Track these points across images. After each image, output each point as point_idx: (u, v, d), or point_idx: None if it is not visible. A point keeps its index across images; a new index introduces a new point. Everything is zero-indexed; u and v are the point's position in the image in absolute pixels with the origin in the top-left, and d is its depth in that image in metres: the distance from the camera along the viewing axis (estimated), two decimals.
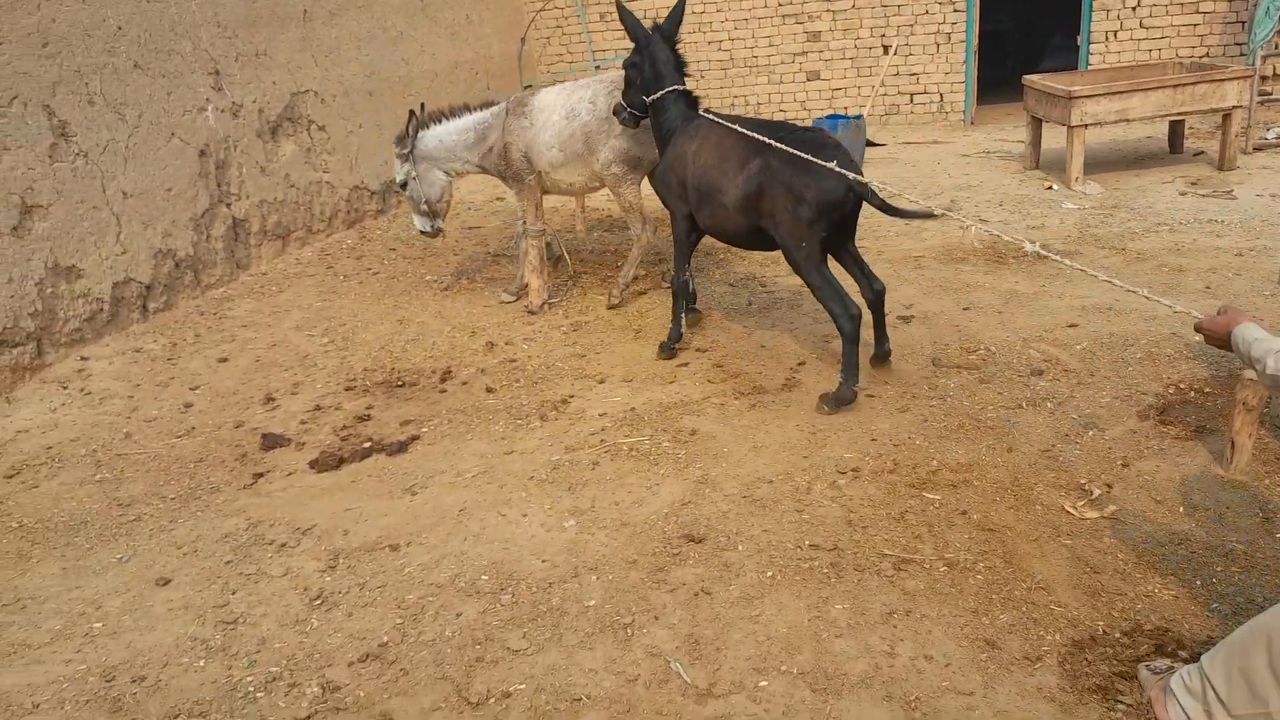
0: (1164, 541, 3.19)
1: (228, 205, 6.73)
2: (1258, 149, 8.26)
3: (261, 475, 4.12)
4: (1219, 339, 2.60)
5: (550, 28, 11.81)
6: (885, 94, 10.97)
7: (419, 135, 5.64)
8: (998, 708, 2.54)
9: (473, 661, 2.82)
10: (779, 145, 4.18)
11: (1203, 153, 8.32)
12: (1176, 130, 8.28)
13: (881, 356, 4.59)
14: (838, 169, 3.99)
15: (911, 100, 10.98)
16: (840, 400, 4.22)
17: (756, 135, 4.30)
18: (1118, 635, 2.76)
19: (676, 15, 4.98)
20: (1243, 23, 9.65)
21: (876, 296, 4.45)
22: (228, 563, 3.43)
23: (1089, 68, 10.05)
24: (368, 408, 4.69)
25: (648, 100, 4.93)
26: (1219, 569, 3.04)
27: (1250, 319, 2.54)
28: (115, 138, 5.79)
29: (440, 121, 5.69)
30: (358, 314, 6.04)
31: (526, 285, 5.94)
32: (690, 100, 4.94)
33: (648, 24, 4.99)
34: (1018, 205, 7.27)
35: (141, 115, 6.01)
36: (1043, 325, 4.94)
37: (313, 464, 4.16)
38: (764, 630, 2.90)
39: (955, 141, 9.84)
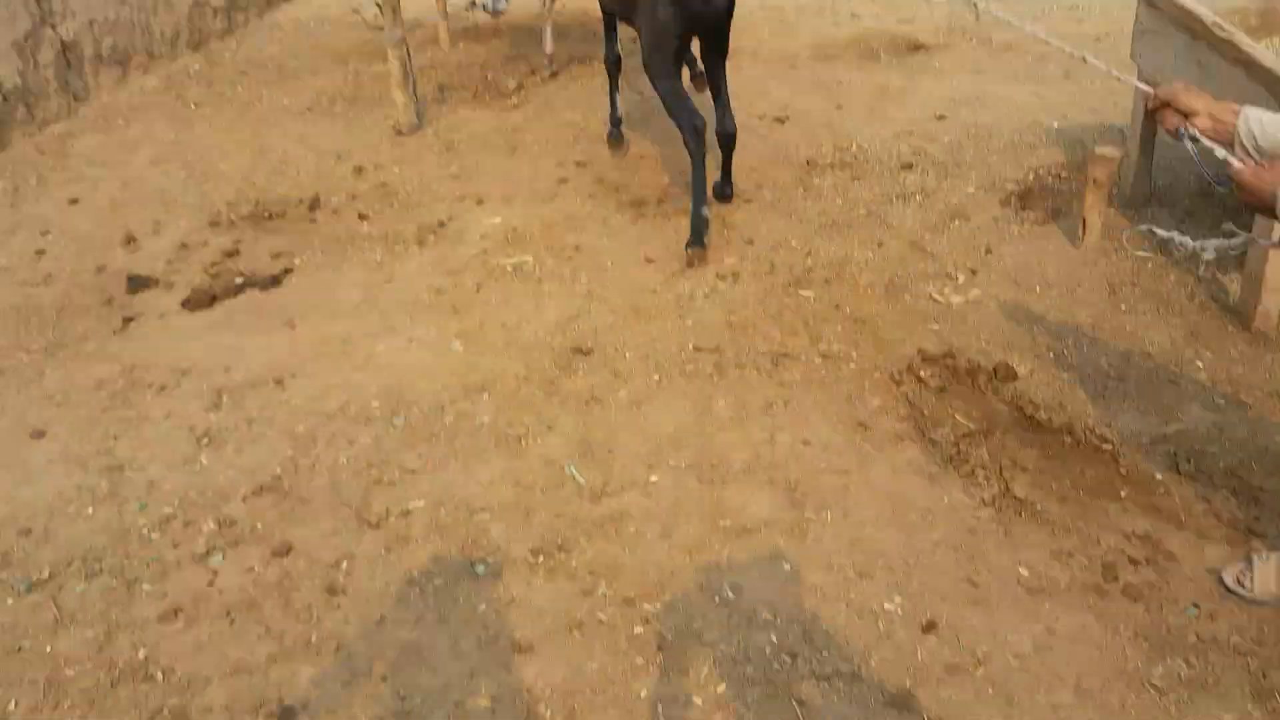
0: (1022, 319, 3.39)
1: (53, 27, 6.09)
2: None
3: (131, 319, 3.95)
4: (1260, 197, 1.82)
5: None
6: None
7: None
8: (872, 483, 2.74)
9: (370, 485, 2.86)
10: None
11: None
12: None
13: (722, 196, 4.32)
14: None
15: None
16: (695, 235, 3.94)
17: None
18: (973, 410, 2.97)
19: None
20: None
21: (727, 139, 4.16)
22: (105, 410, 3.33)
23: None
24: (236, 242, 4.49)
25: None
26: (1070, 340, 3.27)
27: None
28: None
29: None
30: (215, 145, 5.66)
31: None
32: None
33: None
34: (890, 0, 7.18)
35: None
36: (912, 119, 5.00)
37: (185, 303, 3.99)
38: (652, 430, 3.01)
39: None
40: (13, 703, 2.21)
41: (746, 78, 5.73)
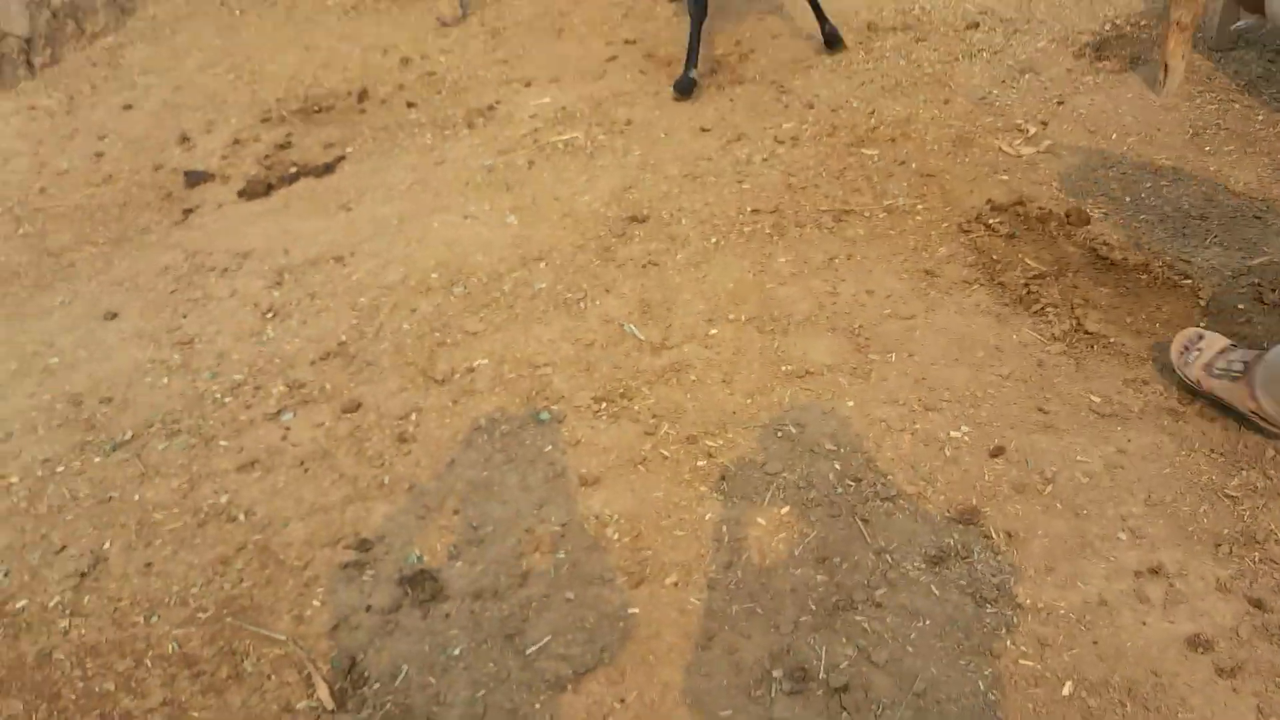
0: (1096, 166, 3.25)
1: None
2: None
3: (191, 211, 4.00)
4: None
5: None
6: None
7: None
8: (938, 326, 2.67)
9: (434, 347, 2.88)
10: None
11: None
12: None
13: (831, 39, 4.27)
14: None
15: None
16: (679, 87, 4.18)
17: None
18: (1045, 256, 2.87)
19: None
20: None
21: None
22: (172, 292, 3.40)
23: None
24: (287, 135, 4.50)
25: None
26: (1148, 184, 3.13)
27: None
28: None
29: None
30: (262, 47, 5.65)
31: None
32: None
33: None
34: None
35: None
36: None
37: (241, 193, 4.03)
38: (711, 289, 2.98)
39: None
40: (108, 543, 2.30)
41: None
